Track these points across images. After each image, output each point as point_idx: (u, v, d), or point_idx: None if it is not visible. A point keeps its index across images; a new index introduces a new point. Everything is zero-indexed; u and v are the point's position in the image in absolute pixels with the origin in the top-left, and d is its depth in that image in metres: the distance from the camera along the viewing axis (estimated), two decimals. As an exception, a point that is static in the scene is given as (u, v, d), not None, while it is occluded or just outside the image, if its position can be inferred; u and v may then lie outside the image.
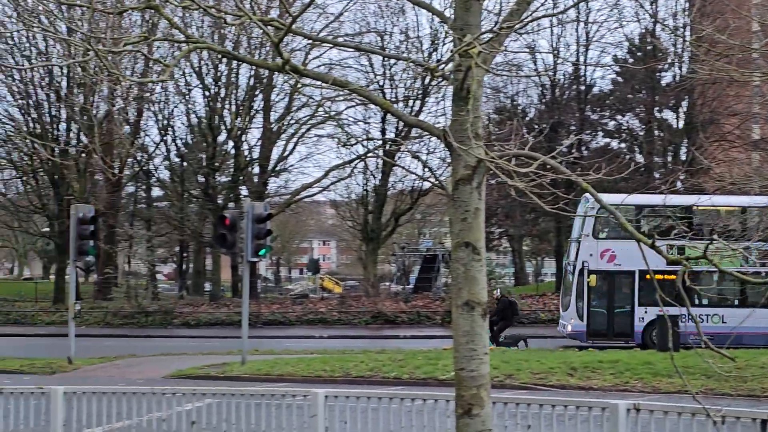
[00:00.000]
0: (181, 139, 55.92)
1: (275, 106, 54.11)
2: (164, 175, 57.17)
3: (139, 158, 55.61)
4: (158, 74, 43.48)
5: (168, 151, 55.50)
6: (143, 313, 47.48)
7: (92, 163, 51.92)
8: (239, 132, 52.92)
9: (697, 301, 36.07)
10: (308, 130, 54.59)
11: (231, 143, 54.09)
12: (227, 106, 52.93)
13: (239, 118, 52.79)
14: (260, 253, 27.43)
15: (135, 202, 59.55)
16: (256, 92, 53.30)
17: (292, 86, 49.36)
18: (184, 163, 55.02)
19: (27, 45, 50.85)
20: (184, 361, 28.95)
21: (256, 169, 54.76)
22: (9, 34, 47.37)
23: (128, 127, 53.38)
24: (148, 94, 51.64)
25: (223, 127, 53.40)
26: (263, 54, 47.88)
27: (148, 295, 49.23)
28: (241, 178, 53.51)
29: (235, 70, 51.80)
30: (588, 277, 36.84)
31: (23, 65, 48.11)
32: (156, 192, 59.61)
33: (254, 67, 50.10)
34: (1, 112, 54.21)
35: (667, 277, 31.86)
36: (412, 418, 12.04)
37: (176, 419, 12.69)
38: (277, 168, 55.27)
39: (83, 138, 52.65)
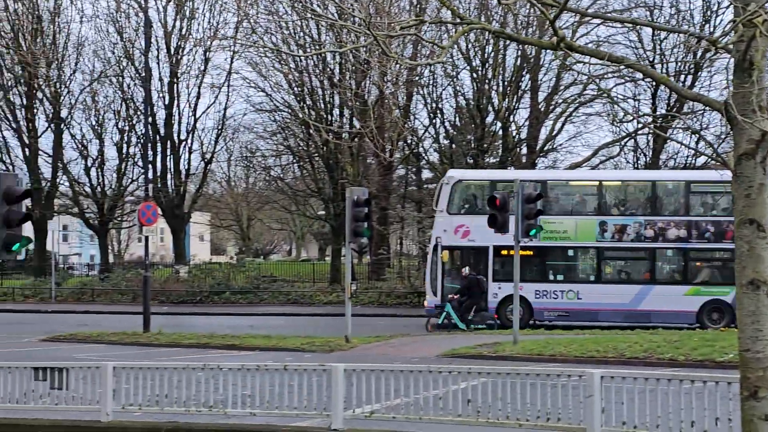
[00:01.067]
0: (449, 121, 56.50)
1: (542, 85, 53.85)
2: (434, 157, 57.95)
3: (409, 141, 56.58)
4: (428, 57, 44.10)
5: (437, 133, 56.20)
6: (416, 293, 48.35)
7: (365, 147, 53.32)
8: (507, 113, 52.95)
9: (552, 277, 36.24)
10: (576, 108, 54.03)
11: (499, 124, 54.18)
12: (495, 87, 53.05)
13: (507, 99, 52.82)
14: (530, 233, 27.26)
15: (406, 185, 60.63)
16: (523, 72, 53.15)
17: (560, 64, 48.84)
18: (453, 145, 55.52)
19: (301, 34, 52.68)
20: (457, 341, 29.23)
21: (524, 150, 54.66)
22: (285, 24, 49.18)
23: (398, 110, 54.39)
24: (417, 78, 52.47)
25: (490, 108, 53.57)
26: (530, 33, 47.64)
27: (420, 276, 50.07)
28: (509, 158, 53.51)
29: (502, 50, 51.83)
30: (441, 252, 36.09)
31: (299, 54, 49.78)
32: (426, 174, 60.50)
33: (521, 48, 49.98)
34: (278, 101, 56.55)
35: (522, 252, 31.04)
36: (691, 400, 11.69)
37: (452, 397, 12.84)
38: (546, 148, 54.95)
39: (356, 123, 54.10)
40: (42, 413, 15.08)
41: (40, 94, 60.13)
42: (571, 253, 36.78)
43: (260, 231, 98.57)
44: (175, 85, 59.08)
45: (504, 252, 35.12)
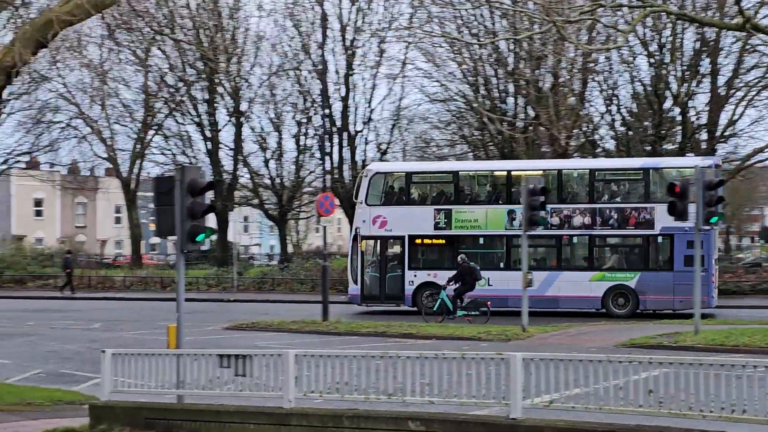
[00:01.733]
0: (625, 107, 55.47)
1: (723, 68, 52.27)
2: (610, 144, 57.01)
3: (584, 129, 55.81)
4: (603, 43, 43.38)
5: (613, 120, 55.26)
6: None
7: (539, 135, 52.87)
8: (685, 98, 51.64)
9: None
10: (759, 92, 52.26)
11: (677, 110, 52.91)
12: (672, 72, 51.82)
13: (685, 84, 51.53)
14: (711, 221, 26.59)
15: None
16: (702, 56, 51.73)
17: (742, 47, 47.43)
18: (630, 132, 54.47)
19: (475, 23, 52.56)
20: (635, 331, 28.78)
21: (704, 135, 53.21)
22: (459, 13, 49.20)
23: (573, 98, 53.73)
24: (592, 65, 51.72)
25: (668, 93, 52.36)
26: (709, 15, 46.35)
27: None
28: (688, 145, 52.20)
29: (680, 34, 50.60)
30: (360, 242, 37.85)
31: (474, 42, 49.68)
32: (602, 162, 59.55)
33: (700, 31, 48.68)
34: (453, 90, 56.59)
35: (435, 241, 34.35)
36: None
37: (632, 388, 12.63)
38: (726, 133, 53.35)
39: (530, 111, 53.73)
40: (227, 399, 15.53)
41: (220, 89, 61.87)
42: (481, 241, 37.66)
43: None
44: (351, 77, 59.86)
45: (418, 241, 37.57)
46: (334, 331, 30.97)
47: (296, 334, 30.62)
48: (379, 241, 38.29)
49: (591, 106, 56.96)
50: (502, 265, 37.13)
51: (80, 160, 72.85)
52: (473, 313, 33.15)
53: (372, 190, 38.26)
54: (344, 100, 59.98)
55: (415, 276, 37.34)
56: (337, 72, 59.89)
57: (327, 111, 58.38)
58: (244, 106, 62.15)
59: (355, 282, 38.45)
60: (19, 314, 40.01)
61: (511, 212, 36.17)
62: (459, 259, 34.84)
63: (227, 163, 63.15)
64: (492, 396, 13.40)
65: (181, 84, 62.31)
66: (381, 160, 62.87)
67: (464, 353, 13.82)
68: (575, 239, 37.09)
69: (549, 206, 34.15)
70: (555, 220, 36.16)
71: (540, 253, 37.54)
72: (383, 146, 61.98)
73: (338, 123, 60.28)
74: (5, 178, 74.37)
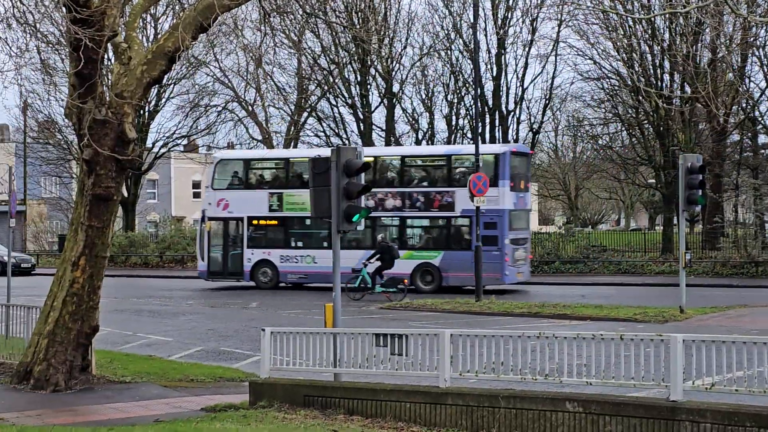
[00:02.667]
0: (788, 82, 53.63)
1: None
2: (773, 120, 55.29)
3: (744, 105, 54.22)
4: (764, 15, 42.00)
5: (774, 96, 53.57)
6: (753, 263, 46.50)
7: (697, 113, 51.58)
8: None
9: (293, 244, 41.23)
10: None
11: None
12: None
13: None
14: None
15: (741, 151, 58.18)
16: None
17: None
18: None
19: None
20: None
21: None
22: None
23: (732, 74, 52.22)
24: (752, 39, 50.14)
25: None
26: None
27: (757, 245, 47.98)
28: None
29: None
30: (206, 223, 41.83)
31: (630, 16, 48.76)
32: (762, 139, 57.82)
33: None
34: (606, 68, 55.74)
35: (269, 222, 40.08)
36: None
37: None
38: None
39: (687, 88, 52.45)
40: (383, 378, 15.70)
41: (372, 70, 62.30)
42: (308, 222, 40.42)
43: (588, 200, 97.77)
44: (503, 56, 59.54)
45: (255, 222, 41.62)
46: (487, 311, 30.93)
47: (450, 315, 30.68)
48: (222, 222, 42.17)
49: (751, 81, 55.31)
50: (325, 244, 39.29)
51: (236, 143, 74.48)
52: (391, 289, 35.07)
53: (217, 176, 42.45)
54: (496, 79, 59.70)
55: (252, 254, 41.50)
56: (488, 51, 59.68)
57: (479, 91, 58.19)
58: (395, 87, 62.48)
59: (203, 259, 42.63)
60: (181, 293, 41.18)
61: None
62: (379, 237, 38.28)
63: (379, 143, 63.62)
64: (651, 378, 13.20)
65: (333, 66, 62.99)
66: (533, 140, 62.47)
67: (622, 334, 13.62)
68: (388, 221, 40.24)
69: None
70: (371, 203, 38.30)
71: (357, 234, 38.95)
72: (535, 126, 61.49)
73: (490, 103, 60.03)
74: (165, 161, 76.54)
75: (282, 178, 42.08)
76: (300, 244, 41.30)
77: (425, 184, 39.86)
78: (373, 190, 37.33)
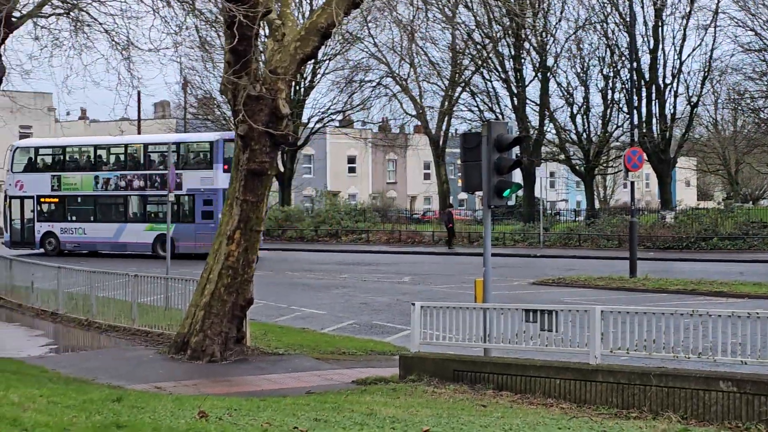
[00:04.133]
0: None
1: None
2: None
3: None
4: None
5: None
6: None
7: None
8: None
9: (69, 218, 48.62)
10: None
11: None
12: None
13: None
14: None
15: None
16: None
17: None
18: None
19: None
20: None
21: None
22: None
23: None
24: None
25: None
26: None
27: None
28: None
29: None
30: (8, 201, 49.46)
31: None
32: None
33: None
34: (769, 38, 53.92)
35: (52, 200, 48.61)
36: None
37: None
38: None
39: None
40: (532, 353, 15.61)
41: (526, 44, 61.71)
42: (79, 200, 48.56)
43: (749, 176, 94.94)
44: (660, 28, 58.21)
45: (43, 200, 48.99)
46: (641, 287, 30.43)
47: (602, 291, 30.30)
48: (19, 200, 49.40)
49: None
50: (92, 218, 48.14)
51: (390, 118, 74.92)
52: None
53: (15, 161, 49.41)
54: (653, 52, 58.41)
55: (41, 227, 48.81)
56: (645, 24, 58.39)
57: (635, 64, 56.99)
58: (550, 61, 61.76)
59: (7, 231, 50.02)
60: (334, 267, 41.75)
61: (96, 177, 47.80)
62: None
63: (533, 118, 63.07)
64: (810, 358, 12.78)
65: (487, 41, 62.62)
66: (691, 113, 61.02)
67: None
68: (135, 198, 47.44)
69: (119, 173, 47.07)
70: (122, 183, 46.91)
71: (114, 209, 47.87)
72: (693, 99, 59.96)
73: (646, 76, 58.78)
74: (321, 137, 77.52)
75: (61, 162, 49.77)
76: (74, 218, 48.71)
77: (161, 167, 45.31)
78: (126, 172, 47.21)
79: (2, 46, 30.20)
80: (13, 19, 29.10)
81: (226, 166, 42.42)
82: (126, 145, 48.99)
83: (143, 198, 46.92)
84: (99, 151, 49.07)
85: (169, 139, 48.94)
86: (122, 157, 48.17)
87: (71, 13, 29.47)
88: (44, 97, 70.95)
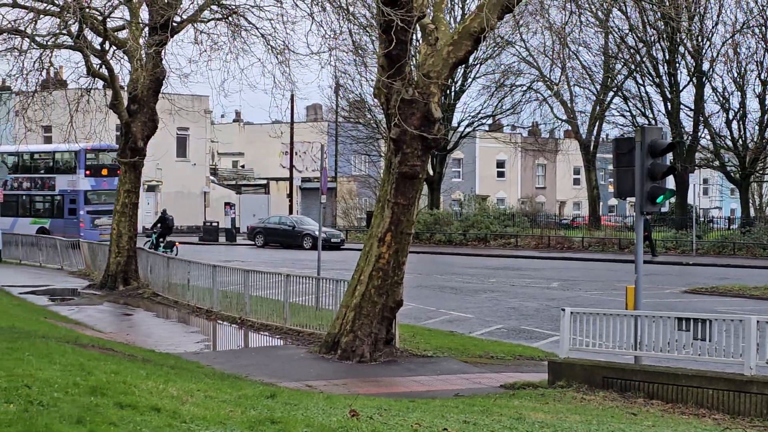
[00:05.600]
0: None
1: None
2: None
3: None
4: None
5: None
6: None
7: None
8: None
9: None
10: None
11: None
12: None
13: None
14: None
15: None
16: None
17: None
18: None
19: None
20: None
21: None
22: None
23: None
24: None
25: None
26: None
27: None
28: None
29: None
30: None
31: None
32: None
33: None
34: None
35: None
36: None
37: None
38: None
39: None
40: (684, 362, 15.36)
41: (681, 49, 60.51)
42: None
43: None
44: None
45: None
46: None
47: (758, 301, 29.56)
48: None
49: None
50: None
51: (540, 123, 74.44)
52: (169, 250, 41.94)
53: None
54: (816, 56, 56.59)
55: None
56: (808, 26, 56.60)
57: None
58: (705, 66, 60.40)
59: None
60: (482, 271, 41.72)
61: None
62: (162, 211, 48.03)
63: (687, 124, 61.79)
64: None
65: (641, 44, 61.66)
66: None
67: None
68: (24, 197, 55.65)
69: (12, 176, 52.82)
70: (16, 185, 54.48)
71: (10, 206, 53.32)
72: None
73: (809, 80, 57.00)
74: (470, 141, 77.51)
75: None
76: None
77: (42, 171, 55.51)
78: (19, 175, 55.00)
79: (163, 50, 31.33)
80: (174, 24, 30.15)
81: (87, 172, 53.34)
82: (19, 154, 53.89)
83: (29, 197, 55.88)
84: (3, 158, 53.61)
85: (48, 148, 58.34)
86: (13, 163, 54.74)
87: (229, 18, 30.38)
88: (201, 100, 72.75)
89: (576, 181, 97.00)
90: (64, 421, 8.75)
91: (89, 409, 9.27)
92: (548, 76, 66.04)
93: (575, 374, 16.20)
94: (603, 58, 64.71)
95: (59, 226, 52.50)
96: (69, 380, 10.78)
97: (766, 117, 59.23)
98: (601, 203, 74.08)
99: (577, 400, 14.99)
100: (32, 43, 29.41)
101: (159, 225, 45.57)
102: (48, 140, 69.22)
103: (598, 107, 66.06)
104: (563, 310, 16.75)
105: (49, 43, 29.81)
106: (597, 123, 66.91)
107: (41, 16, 29.29)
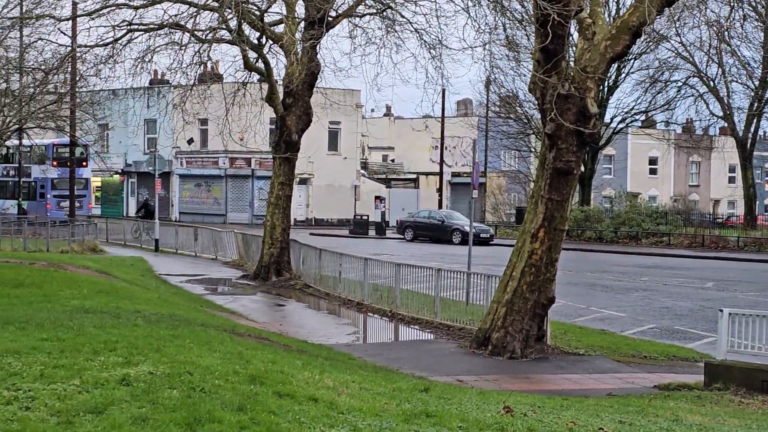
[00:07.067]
0: None
1: None
2: None
3: None
4: None
5: None
6: None
7: None
8: None
9: None
10: None
11: None
12: None
13: None
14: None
15: None
16: None
17: None
18: None
19: None
20: None
21: None
22: None
23: None
24: None
25: None
26: None
27: None
28: None
29: None
30: None
31: None
32: None
33: None
34: None
35: None
36: None
37: None
38: None
39: None
40: None
41: None
42: None
43: None
44: None
45: None
46: None
47: None
48: None
49: None
50: None
51: (695, 119, 72.71)
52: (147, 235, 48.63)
53: None
54: None
55: None
56: None
57: None
58: None
59: None
60: (634, 269, 41.02)
61: None
62: (145, 198, 54.12)
63: None
64: None
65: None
66: None
67: None
68: (10, 182, 64.81)
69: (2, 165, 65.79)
70: (2, 171, 65.98)
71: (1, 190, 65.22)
72: None
73: None
74: (622, 137, 76.30)
75: None
76: None
77: (24, 162, 62.91)
78: (3, 164, 66.23)
79: (318, 45, 31.77)
80: (329, 18, 30.58)
81: (55, 163, 63.67)
82: (6, 147, 61.28)
83: (13, 183, 63.92)
84: None
85: (26, 142, 63.40)
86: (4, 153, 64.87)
87: (384, 13, 30.63)
88: (353, 94, 73.48)
89: (731, 179, 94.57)
90: (225, 408, 8.96)
91: (249, 398, 9.47)
92: (704, 71, 64.51)
93: (733, 377, 15.80)
94: (763, 53, 62.79)
95: (32, 206, 62.40)
96: (229, 368, 11.03)
97: None
98: (757, 202, 71.95)
99: (735, 404, 14.62)
100: (192, 38, 30.19)
101: (143, 210, 56.59)
102: (204, 133, 71.18)
103: (756, 103, 64.17)
104: (721, 310, 16.36)
105: (208, 37, 30.55)
106: (755, 120, 64.99)
107: (201, 11, 30.03)
